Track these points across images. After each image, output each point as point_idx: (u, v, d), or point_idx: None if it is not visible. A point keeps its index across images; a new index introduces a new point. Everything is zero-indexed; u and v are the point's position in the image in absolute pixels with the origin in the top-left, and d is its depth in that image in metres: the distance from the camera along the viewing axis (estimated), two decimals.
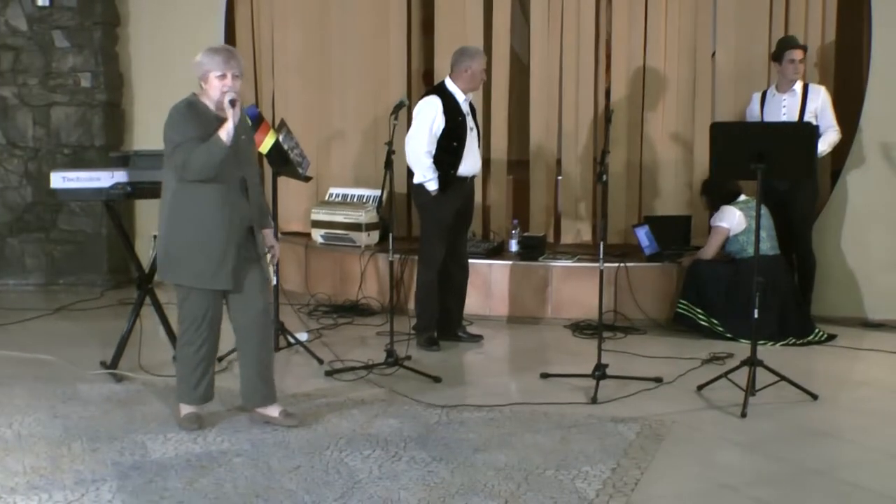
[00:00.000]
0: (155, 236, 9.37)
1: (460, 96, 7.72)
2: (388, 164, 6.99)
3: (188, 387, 5.90)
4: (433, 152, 7.62)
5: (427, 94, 7.89)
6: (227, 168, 5.65)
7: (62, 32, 10.18)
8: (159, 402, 6.41)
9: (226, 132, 5.61)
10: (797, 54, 8.30)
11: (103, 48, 10.26)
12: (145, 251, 9.44)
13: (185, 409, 5.93)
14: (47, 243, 10.37)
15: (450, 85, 7.73)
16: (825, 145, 8.21)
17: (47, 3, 10.09)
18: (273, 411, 5.96)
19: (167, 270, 5.84)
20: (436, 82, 8.52)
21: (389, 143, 6.99)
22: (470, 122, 7.78)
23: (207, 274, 5.72)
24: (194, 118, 5.69)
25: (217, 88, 5.68)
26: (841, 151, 8.69)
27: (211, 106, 5.73)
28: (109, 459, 5.36)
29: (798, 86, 8.35)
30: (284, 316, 7.78)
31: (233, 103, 5.62)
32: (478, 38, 9.66)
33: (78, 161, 10.14)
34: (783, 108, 8.33)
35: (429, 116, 7.63)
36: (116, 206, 7.47)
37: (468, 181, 7.94)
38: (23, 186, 10.31)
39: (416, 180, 7.75)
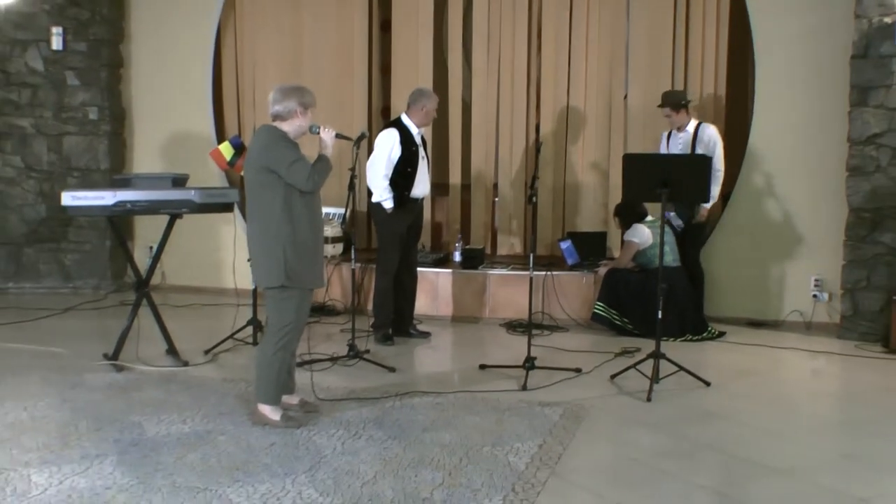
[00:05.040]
0: (151, 247, 9.37)
1: (414, 130, 7.71)
2: (351, 187, 6.97)
3: (278, 387, 5.59)
4: (389, 176, 7.62)
5: (386, 126, 7.90)
6: None
7: (73, 73, 10.11)
8: (154, 389, 6.35)
9: (329, 150, 5.63)
10: (664, 111, 8.50)
11: (109, 86, 10.20)
12: (143, 259, 9.38)
13: (275, 412, 5.57)
14: (58, 252, 10.27)
15: (405, 120, 7.73)
16: (714, 193, 8.34)
17: (61, 48, 10.02)
18: (293, 399, 5.84)
19: (289, 277, 5.39)
20: (392, 117, 8.53)
21: (352, 169, 6.95)
22: (422, 152, 7.79)
23: (320, 274, 5.61)
24: (289, 141, 5.52)
25: (307, 119, 5.57)
26: (730, 179, 8.78)
27: (291, 135, 5.54)
28: (111, 438, 5.30)
29: (692, 125, 8.44)
30: (262, 315, 7.70)
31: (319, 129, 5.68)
32: (427, 79, 9.70)
33: (86, 182, 10.07)
34: (679, 144, 8.44)
35: (387, 146, 7.63)
36: (118, 220, 7.41)
37: (419, 202, 7.95)
38: (38, 204, 10.20)
39: (374, 199, 7.75)
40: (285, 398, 5.79)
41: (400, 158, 7.64)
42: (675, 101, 8.47)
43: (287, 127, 5.53)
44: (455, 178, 10.03)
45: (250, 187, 5.52)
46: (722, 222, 8.89)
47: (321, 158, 5.57)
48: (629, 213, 8.35)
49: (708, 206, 8.35)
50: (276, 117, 5.54)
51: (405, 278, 7.97)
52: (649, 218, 8.30)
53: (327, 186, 9.61)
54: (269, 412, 5.57)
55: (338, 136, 5.82)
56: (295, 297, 5.50)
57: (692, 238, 8.54)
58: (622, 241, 8.47)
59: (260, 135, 5.59)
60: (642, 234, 8.22)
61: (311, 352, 7.03)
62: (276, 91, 5.58)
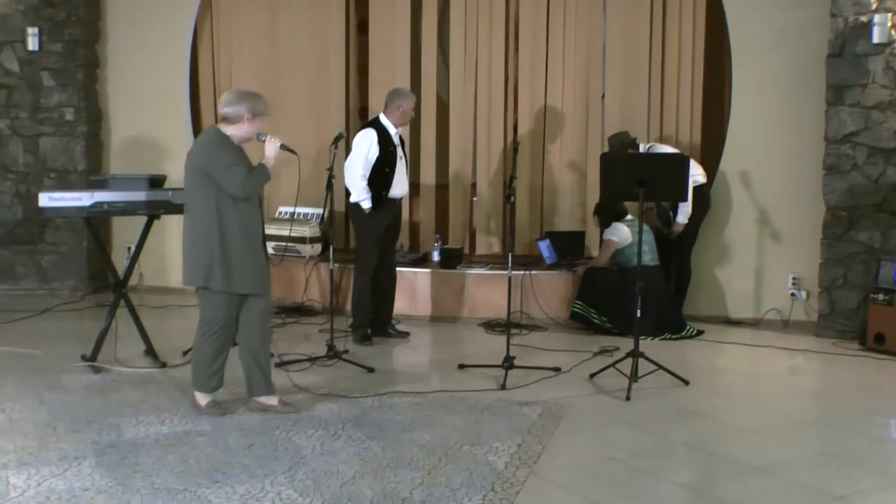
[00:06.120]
0: (129, 248, 9.32)
1: (392, 130, 7.71)
2: (329, 187, 6.98)
3: (210, 376, 5.72)
4: (367, 176, 7.61)
5: (364, 127, 7.89)
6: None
7: (49, 73, 10.03)
8: (132, 390, 6.32)
9: (270, 161, 5.67)
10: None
11: (85, 87, 10.12)
12: (120, 260, 9.34)
13: (203, 398, 5.76)
14: (35, 254, 10.19)
15: (383, 120, 7.72)
16: (682, 216, 8.46)
17: (37, 48, 9.95)
18: (272, 400, 5.84)
19: (212, 279, 5.52)
20: (370, 118, 8.52)
21: (330, 169, 6.96)
22: (400, 152, 7.78)
23: (256, 280, 5.62)
24: (230, 145, 5.56)
25: (255, 126, 5.62)
26: (708, 178, 8.81)
27: (236, 139, 5.60)
28: (89, 439, 5.28)
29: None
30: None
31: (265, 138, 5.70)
32: (405, 80, 9.68)
33: (62, 183, 9.99)
34: None
35: (365, 146, 7.62)
36: (95, 221, 7.37)
37: (397, 201, 7.94)
38: (14, 205, 10.12)
39: (352, 200, 7.73)
40: (264, 399, 5.81)
41: (378, 158, 7.63)
42: (619, 145, 8.52)
43: (232, 130, 5.59)
44: (433, 177, 10.02)
45: (187, 185, 5.63)
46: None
47: (259, 166, 5.64)
48: (608, 212, 8.37)
49: (684, 220, 8.42)
50: (224, 119, 5.60)
51: (384, 278, 7.96)
52: (628, 217, 8.32)
53: (305, 186, 9.61)
54: (199, 398, 5.78)
55: (282, 147, 5.83)
56: (222, 298, 5.58)
57: (684, 237, 8.59)
58: (601, 240, 8.49)
59: (203, 135, 5.69)
60: (621, 233, 8.24)
61: (289, 352, 7.01)
62: (228, 94, 5.66)
